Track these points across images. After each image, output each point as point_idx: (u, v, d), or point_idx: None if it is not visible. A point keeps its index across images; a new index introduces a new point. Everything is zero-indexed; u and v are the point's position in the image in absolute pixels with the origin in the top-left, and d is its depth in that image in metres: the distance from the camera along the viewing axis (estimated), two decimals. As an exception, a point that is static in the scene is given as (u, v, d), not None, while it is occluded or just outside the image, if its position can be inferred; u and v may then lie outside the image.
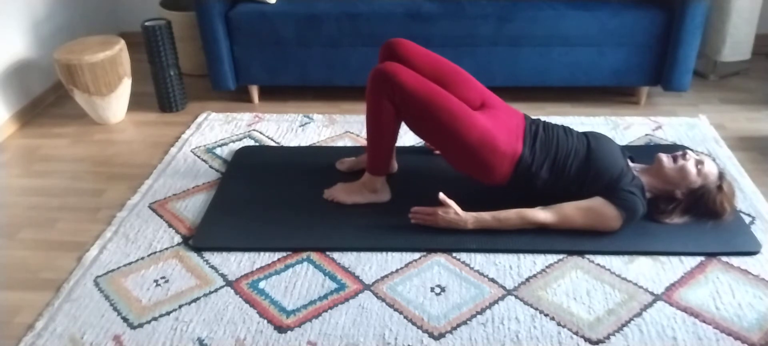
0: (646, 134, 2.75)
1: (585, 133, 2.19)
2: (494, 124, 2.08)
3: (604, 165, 2.07)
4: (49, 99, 3.26)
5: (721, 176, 2.10)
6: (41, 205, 2.43)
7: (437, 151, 2.40)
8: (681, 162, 2.07)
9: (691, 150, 2.27)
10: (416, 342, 1.75)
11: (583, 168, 2.08)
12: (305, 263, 2.03)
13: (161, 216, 2.29)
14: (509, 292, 1.90)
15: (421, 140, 2.64)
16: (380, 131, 2.14)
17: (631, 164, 2.18)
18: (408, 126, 2.13)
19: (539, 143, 2.11)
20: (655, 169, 2.12)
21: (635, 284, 1.92)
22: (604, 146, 2.12)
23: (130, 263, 2.06)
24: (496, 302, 1.87)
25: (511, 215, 2.06)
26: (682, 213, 2.10)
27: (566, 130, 2.18)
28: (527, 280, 1.94)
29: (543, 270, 1.98)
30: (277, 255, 2.07)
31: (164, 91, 3.05)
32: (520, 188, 2.11)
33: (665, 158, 2.10)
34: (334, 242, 2.09)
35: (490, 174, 2.10)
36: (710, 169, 2.08)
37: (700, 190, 2.07)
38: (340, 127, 2.88)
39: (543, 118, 2.24)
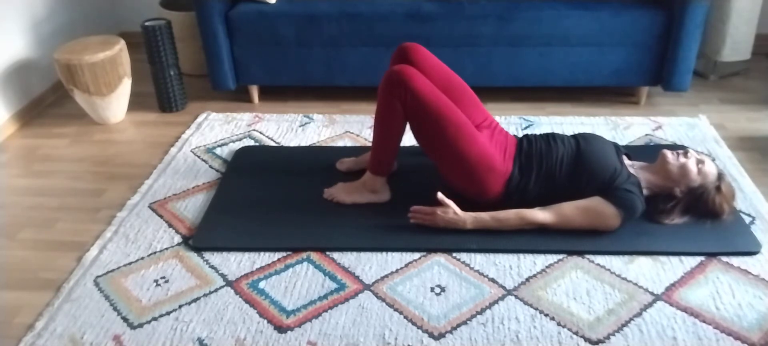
0: (646, 134, 2.75)
1: (575, 136, 2.20)
2: (492, 144, 2.11)
3: (595, 166, 2.07)
4: (49, 99, 3.26)
5: (721, 176, 2.10)
6: (41, 205, 2.42)
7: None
8: (682, 159, 2.08)
9: (692, 150, 2.27)
10: (416, 342, 1.75)
11: (574, 171, 2.09)
12: (305, 263, 2.03)
13: (161, 216, 2.29)
14: (509, 292, 1.90)
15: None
16: (387, 132, 2.14)
17: (628, 162, 2.19)
18: (411, 131, 2.14)
19: (525, 159, 2.13)
20: (658, 166, 2.12)
21: (635, 284, 1.91)
22: (594, 147, 2.12)
23: (130, 263, 2.06)
24: (496, 302, 1.87)
25: (510, 215, 2.06)
26: (681, 213, 2.11)
27: (552, 137, 2.19)
28: (527, 280, 1.94)
29: (543, 270, 1.98)
30: (277, 255, 2.07)
31: (164, 91, 3.05)
32: (514, 204, 2.11)
33: (669, 155, 2.11)
34: (334, 242, 2.09)
35: (483, 191, 2.11)
36: (710, 169, 2.09)
37: (698, 189, 2.08)
38: (340, 127, 2.88)
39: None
